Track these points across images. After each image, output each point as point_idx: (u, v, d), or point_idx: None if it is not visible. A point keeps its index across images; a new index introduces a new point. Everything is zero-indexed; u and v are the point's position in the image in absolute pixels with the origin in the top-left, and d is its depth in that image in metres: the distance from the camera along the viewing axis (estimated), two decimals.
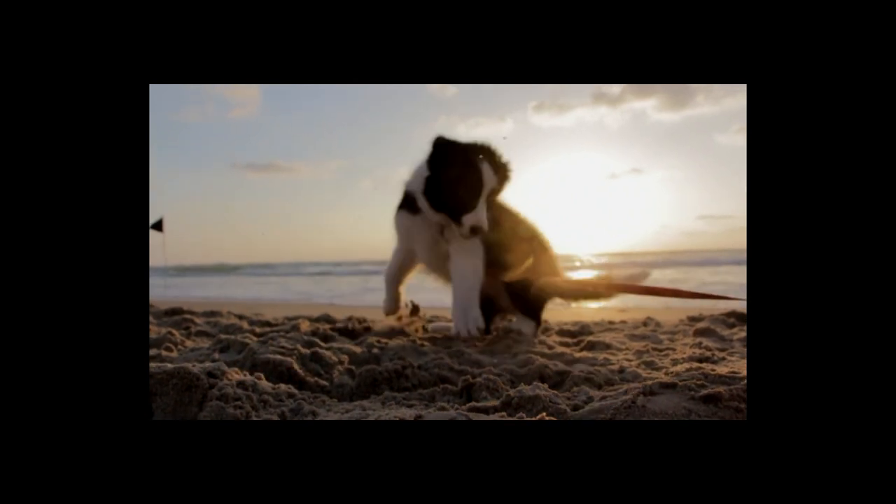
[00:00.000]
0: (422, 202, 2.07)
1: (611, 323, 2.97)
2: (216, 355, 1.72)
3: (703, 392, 1.10)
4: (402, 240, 2.28)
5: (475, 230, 1.97)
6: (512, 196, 2.41)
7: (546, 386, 1.25)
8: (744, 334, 2.16)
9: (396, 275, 2.39)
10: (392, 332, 2.36)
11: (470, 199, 1.98)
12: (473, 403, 1.21)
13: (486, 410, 1.15)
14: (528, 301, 2.28)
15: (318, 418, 1.18)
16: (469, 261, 2.11)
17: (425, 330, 2.38)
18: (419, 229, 2.17)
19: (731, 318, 2.70)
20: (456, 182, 1.98)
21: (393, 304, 2.44)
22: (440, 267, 2.24)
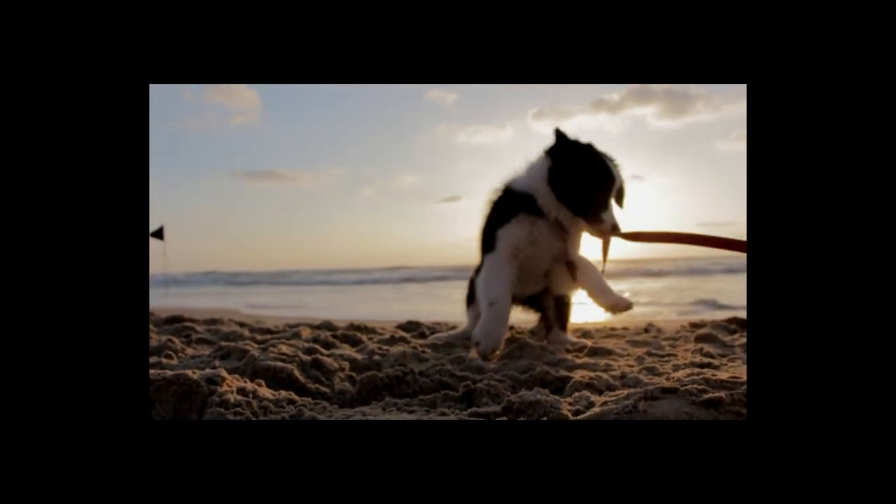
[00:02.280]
0: (546, 197, 1.85)
1: (612, 329, 2.96)
2: (216, 362, 1.71)
3: (705, 397, 1.10)
4: (518, 250, 1.92)
5: (615, 228, 1.81)
6: None
7: (547, 391, 1.24)
8: (745, 340, 2.16)
9: (509, 301, 1.89)
10: (393, 339, 2.36)
11: (603, 196, 1.82)
12: (475, 409, 1.20)
13: (487, 416, 1.14)
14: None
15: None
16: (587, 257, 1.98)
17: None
18: (543, 234, 1.91)
19: (733, 324, 2.70)
20: (588, 176, 1.81)
21: (500, 341, 1.84)
22: (548, 276, 2.04)
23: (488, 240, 2.00)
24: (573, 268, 1.97)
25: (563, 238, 1.94)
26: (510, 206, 1.96)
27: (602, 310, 1.90)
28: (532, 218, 1.91)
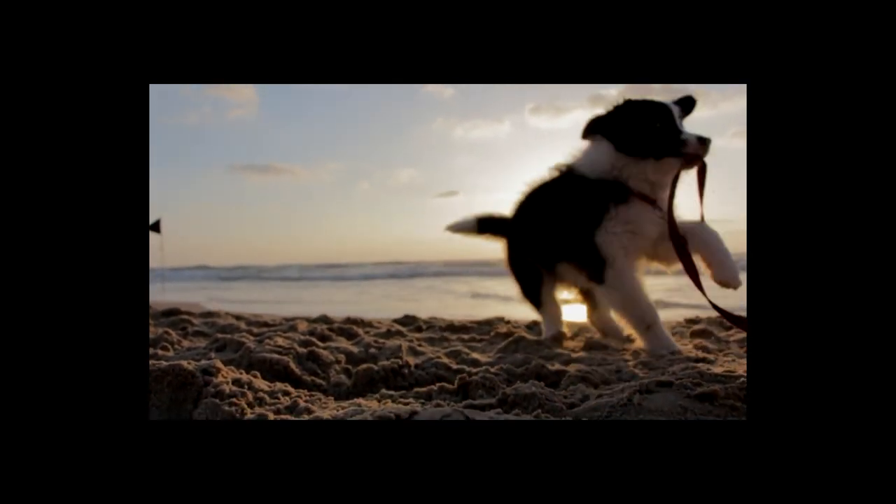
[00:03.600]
0: (623, 163, 1.81)
1: None
2: (212, 354, 1.71)
3: (699, 390, 1.10)
4: (627, 249, 1.86)
5: (702, 141, 1.74)
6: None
7: (542, 384, 1.25)
8: (740, 336, 2.16)
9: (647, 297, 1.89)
10: (390, 333, 2.36)
11: (671, 123, 1.80)
12: (470, 401, 1.20)
13: (482, 408, 1.14)
14: None
15: (314, 416, 1.18)
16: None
17: None
18: (641, 212, 1.84)
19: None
20: (643, 115, 1.80)
21: (674, 345, 1.85)
22: (662, 250, 1.89)
23: (584, 248, 1.87)
24: (682, 240, 1.79)
25: (659, 216, 1.84)
26: (591, 198, 1.84)
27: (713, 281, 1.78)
28: (623, 206, 1.82)
